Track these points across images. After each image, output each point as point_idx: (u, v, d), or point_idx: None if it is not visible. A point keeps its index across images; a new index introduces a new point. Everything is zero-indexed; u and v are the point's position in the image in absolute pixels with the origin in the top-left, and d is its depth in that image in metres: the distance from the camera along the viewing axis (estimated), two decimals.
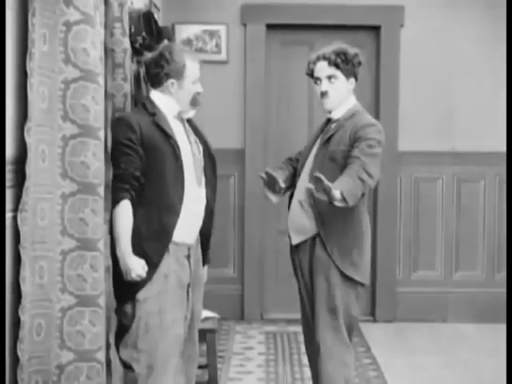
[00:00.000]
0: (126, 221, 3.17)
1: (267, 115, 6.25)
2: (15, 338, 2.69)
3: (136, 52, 3.88)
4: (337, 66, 3.63)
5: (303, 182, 3.68)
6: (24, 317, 2.68)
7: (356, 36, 6.11)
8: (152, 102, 3.36)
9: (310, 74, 3.73)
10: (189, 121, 3.49)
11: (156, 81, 3.37)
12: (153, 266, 3.23)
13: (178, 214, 3.26)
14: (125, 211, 3.17)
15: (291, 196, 3.79)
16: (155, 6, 5.21)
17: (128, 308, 3.25)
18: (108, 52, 3.37)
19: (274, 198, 3.73)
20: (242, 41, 6.15)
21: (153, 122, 3.29)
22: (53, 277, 2.81)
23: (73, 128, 2.86)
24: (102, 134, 2.94)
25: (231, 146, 6.19)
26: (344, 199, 3.32)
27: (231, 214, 6.24)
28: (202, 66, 3.47)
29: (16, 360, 2.70)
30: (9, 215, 2.67)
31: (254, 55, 6.15)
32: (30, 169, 2.71)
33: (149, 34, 4.21)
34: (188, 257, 3.38)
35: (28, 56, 2.72)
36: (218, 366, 4.56)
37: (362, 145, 3.54)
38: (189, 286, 3.39)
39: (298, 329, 4.83)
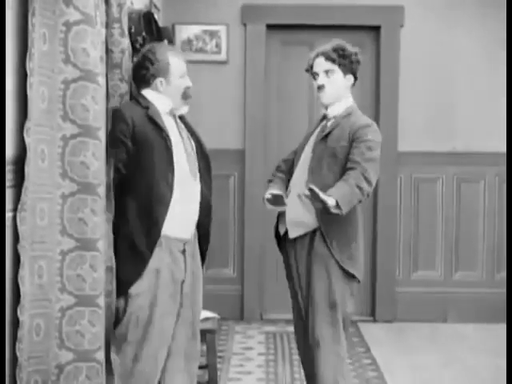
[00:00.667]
0: None
1: (267, 115, 6.25)
2: (14, 337, 2.69)
3: (136, 52, 3.88)
4: (334, 61, 3.71)
5: (300, 176, 3.73)
6: (23, 317, 2.68)
7: (356, 36, 6.10)
8: (145, 98, 3.42)
9: (309, 70, 3.80)
10: (182, 118, 3.54)
11: (144, 82, 3.44)
12: (144, 260, 3.27)
13: (167, 205, 3.29)
14: None
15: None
16: (155, 7, 5.22)
17: (120, 303, 3.28)
18: (107, 52, 3.37)
19: (281, 209, 3.77)
20: (242, 41, 6.15)
21: (146, 114, 3.34)
22: (52, 277, 2.81)
23: (73, 128, 2.86)
24: (101, 133, 2.94)
25: (231, 146, 6.19)
26: (339, 207, 3.42)
27: (231, 214, 6.24)
28: (186, 62, 3.56)
29: (15, 360, 2.70)
30: (8, 215, 2.67)
31: (254, 55, 6.15)
32: (30, 169, 2.71)
33: (149, 34, 4.22)
34: (183, 252, 3.40)
35: (28, 56, 2.72)
36: (218, 366, 4.56)
37: (361, 147, 3.60)
38: (183, 281, 3.41)
39: None
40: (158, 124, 3.33)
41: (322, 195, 3.37)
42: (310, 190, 3.39)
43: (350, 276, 3.67)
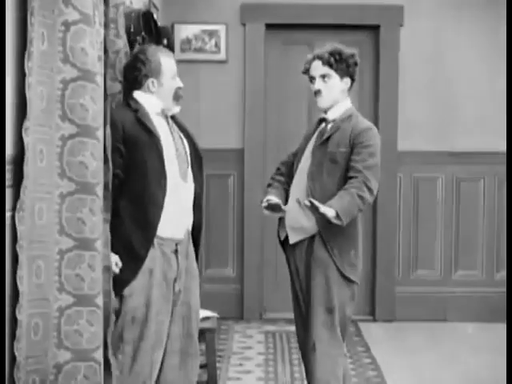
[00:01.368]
0: None
1: (267, 115, 6.25)
2: (13, 337, 2.69)
3: None
4: (330, 66, 3.72)
5: (300, 181, 3.74)
6: (21, 316, 2.68)
7: (355, 36, 6.12)
8: (135, 100, 3.45)
9: (306, 72, 3.81)
10: (173, 118, 3.56)
11: (136, 83, 3.47)
12: (139, 261, 3.31)
13: (161, 207, 3.33)
14: None
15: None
16: (154, 6, 5.22)
17: (115, 303, 3.28)
18: (105, 52, 3.37)
19: (278, 215, 3.78)
20: (242, 40, 6.16)
21: (135, 117, 3.38)
22: (50, 276, 2.80)
23: (71, 128, 2.86)
24: (100, 133, 2.94)
25: (230, 146, 6.19)
26: (339, 218, 3.48)
27: (231, 214, 6.24)
28: (178, 63, 3.61)
29: (14, 359, 2.70)
30: (7, 215, 2.67)
31: (253, 55, 6.16)
32: (28, 168, 2.71)
33: (148, 33, 4.22)
34: (175, 252, 3.43)
35: (26, 55, 2.72)
36: (218, 365, 4.57)
37: (363, 153, 3.62)
38: (175, 280, 3.43)
39: None
40: (148, 127, 3.36)
41: (321, 209, 3.44)
42: (310, 202, 3.44)
43: (349, 280, 3.68)
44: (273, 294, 6.27)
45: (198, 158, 3.56)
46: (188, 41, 6.11)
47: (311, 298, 3.68)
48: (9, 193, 2.69)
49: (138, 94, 3.46)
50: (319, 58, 3.73)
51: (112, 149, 3.21)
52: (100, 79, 2.96)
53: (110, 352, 3.09)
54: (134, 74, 3.46)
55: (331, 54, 3.71)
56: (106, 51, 3.21)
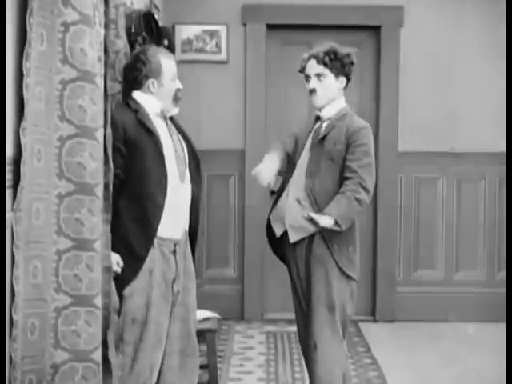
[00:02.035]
0: None
1: (267, 115, 6.25)
2: (9, 337, 2.69)
3: None
4: (325, 65, 3.74)
5: (298, 179, 3.77)
6: (17, 316, 2.69)
7: (356, 36, 6.12)
8: (135, 101, 3.46)
9: (302, 71, 3.84)
10: (172, 119, 3.57)
11: (136, 83, 3.48)
12: (139, 261, 3.32)
13: (161, 208, 3.34)
14: None
15: (282, 189, 3.85)
16: (155, 7, 5.22)
17: (117, 303, 3.28)
18: (106, 53, 3.38)
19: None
20: (242, 41, 6.16)
21: (135, 118, 3.38)
22: (47, 276, 2.80)
23: (70, 128, 2.86)
24: (99, 134, 2.94)
25: (231, 147, 6.20)
26: (338, 225, 3.55)
27: (231, 214, 6.25)
28: (179, 63, 3.64)
29: (10, 359, 2.70)
30: (7, 215, 2.68)
31: (254, 55, 6.16)
32: (25, 168, 2.71)
33: (149, 34, 4.23)
34: (174, 252, 3.44)
35: (24, 56, 2.72)
36: (218, 365, 4.57)
37: (357, 152, 3.66)
38: (174, 281, 3.44)
39: None
40: (149, 127, 3.37)
41: (321, 223, 3.51)
42: (309, 217, 3.53)
43: (348, 277, 3.70)
44: (273, 294, 6.27)
45: (195, 160, 3.57)
46: (189, 41, 6.11)
47: (312, 297, 3.69)
48: (9, 193, 2.70)
49: (137, 95, 3.47)
50: (314, 57, 3.77)
51: (113, 149, 3.22)
52: (99, 80, 2.96)
53: (112, 352, 3.10)
54: (134, 75, 3.46)
55: (326, 53, 3.75)
56: (106, 52, 3.21)
